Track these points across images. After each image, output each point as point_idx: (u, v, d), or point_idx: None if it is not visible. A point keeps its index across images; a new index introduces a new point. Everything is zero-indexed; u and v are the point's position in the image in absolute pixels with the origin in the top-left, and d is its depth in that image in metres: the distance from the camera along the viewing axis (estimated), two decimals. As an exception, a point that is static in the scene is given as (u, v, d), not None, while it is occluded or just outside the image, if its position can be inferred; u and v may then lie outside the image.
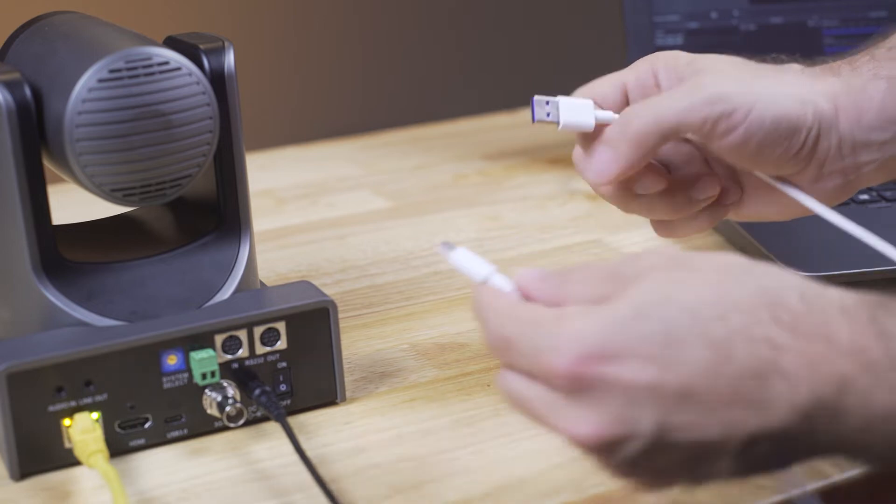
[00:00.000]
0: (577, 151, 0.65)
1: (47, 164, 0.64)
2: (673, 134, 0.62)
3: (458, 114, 1.29)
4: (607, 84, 0.67)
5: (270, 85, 1.25)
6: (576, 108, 0.65)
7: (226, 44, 0.67)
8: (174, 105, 0.63)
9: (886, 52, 0.65)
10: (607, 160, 0.63)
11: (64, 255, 0.65)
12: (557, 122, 0.65)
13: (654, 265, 0.50)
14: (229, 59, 0.67)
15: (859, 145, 0.63)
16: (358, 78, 1.30)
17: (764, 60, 0.66)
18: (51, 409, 0.62)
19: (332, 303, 0.67)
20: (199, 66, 0.66)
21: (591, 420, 0.48)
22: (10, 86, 0.62)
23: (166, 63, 0.63)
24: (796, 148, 0.62)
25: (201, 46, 0.66)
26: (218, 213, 0.69)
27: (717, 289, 0.48)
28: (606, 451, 0.48)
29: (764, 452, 0.48)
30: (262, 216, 0.99)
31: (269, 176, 1.10)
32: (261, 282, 0.71)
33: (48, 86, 0.63)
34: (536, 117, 0.66)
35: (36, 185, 0.63)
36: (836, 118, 0.63)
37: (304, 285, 0.69)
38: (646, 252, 0.52)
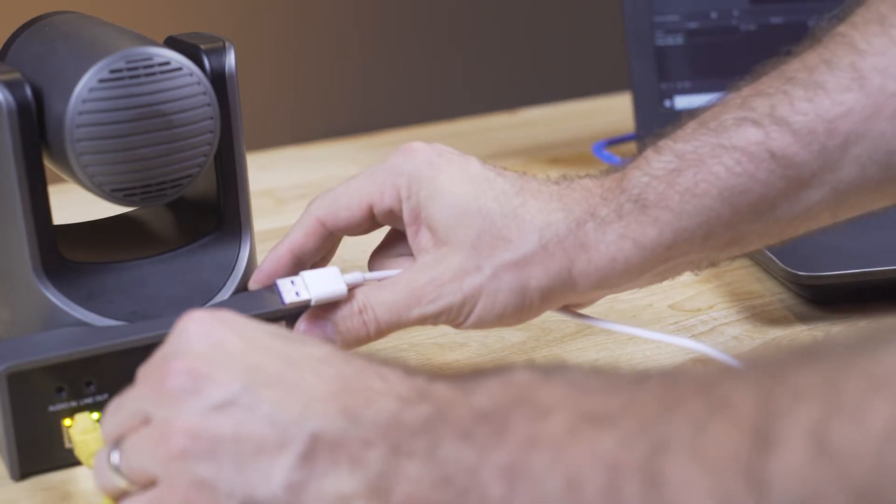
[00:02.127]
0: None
1: (47, 164, 0.64)
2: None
3: (458, 114, 1.29)
4: (351, 208, 0.66)
5: (270, 85, 1.25)
6: (323, 279, 0.64)
7: (226, 44, 0.67)
8: (175, 105, 0.63)
9: (634, 205, 0.63)
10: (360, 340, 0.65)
11: (64, 255, 0.65)
12: (309, 300, 0.63)
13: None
14: (230, 59, 0.67)
15: (602, 293, 0.66)
16: (358, 78, 1.30)
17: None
18: (51, 409, 0.62)
19: (333, 303, 0.67)
20: (200, 66, 0.66)
21: (179, 363, 0.51)
22: (11, 86, 0.62)
23: (167, 63, 0.63)
24: (533, 314, 0.65)
25: (202, 46, 0.66)
26: (218, 213, 0.69)
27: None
28: (187, 384, 0.50)
29: (322, 469, 0.48)
30: (262, 216, 0.99)
31: (269, 176, 1.10)
32: (261, 282, 0.71)
33: (48, 86, 0.63)
34: (286, 300, 0.63)
35: (36, 185, 0.63)
36: (571, 286, 0.63)
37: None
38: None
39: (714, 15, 1.03)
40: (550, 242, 0.63)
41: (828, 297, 0.79)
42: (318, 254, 0.68)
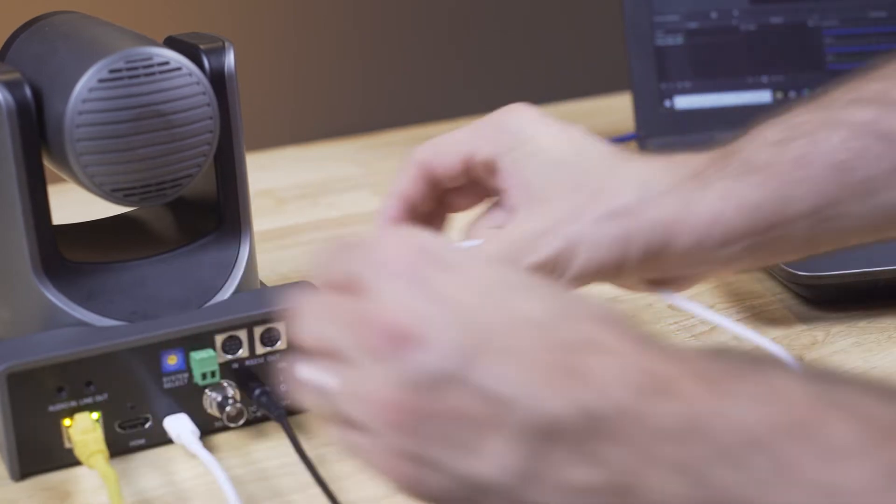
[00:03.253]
0: None
1: (47, 164, 0.64)
2: None
3: (458, 114, 1.29)
4: (449, 155, 0.64)
5: (270, 85, 1.25)
6: None
7: (226, 44, 0.67)
8: (174, 105, 0.63)
9: (740, 168, 0.60)
10: None
11: (64, 255, 0.65)
12: None
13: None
14: (229, 59, 0.67)
15: (700, 260, 0.60)
16: (358, 78, 1.30)
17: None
18: (51, 409, 0.62)
19: (333, 303, 0.67)
20: (200, 66, 0.66)
21: (396, 302, 0.45)
22: (11, 86, 0.62)
23: (166, 63, 0.63)
24: (627, 277, 0.61)
25: (201, 46, 0.66)
26: (218, 213, 0.69)
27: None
28: (395, 348, 0.44)
29: (556, 459, 0.43)
30: (262, 216, 0.99)
31: (269, 176, 1.10)
32: (261, 282, 0.71)
33: (48, 86, 0.63)
34: None
35: (36, 185, 0.63)
36: (670, 242, 0.59)
37: (305, 285, 0.69)
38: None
39: (714, 15, 1.03)
40: (651, 196, 0.60)
41: (828, 297, 0.79)
42: (424, 202, 0.64)
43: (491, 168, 0.63)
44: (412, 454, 0.44)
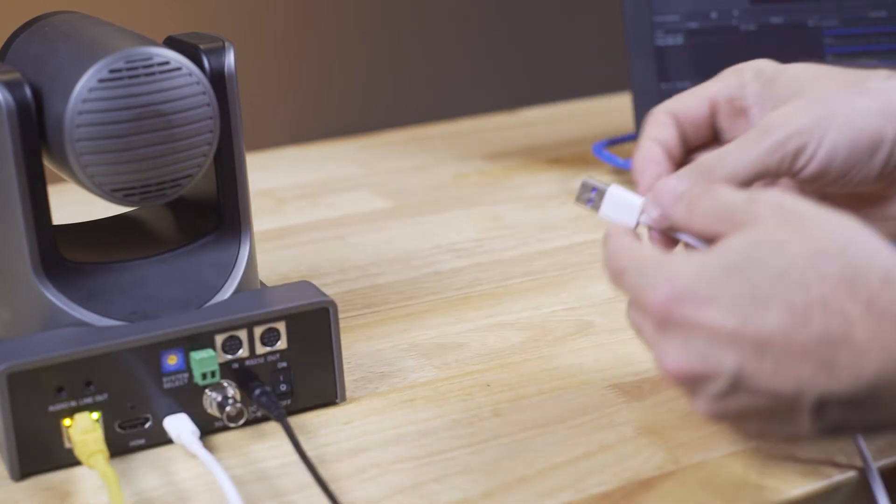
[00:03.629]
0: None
1: (47, 164, 0.64)
2: (749, 184, 0.62)
3: (458, 114, 1.29)
4: (695, 98, 0.66)
5: (270, 85, 1.25)
6: (621, 205, 0.62)
7: (226, 44, 0.67)
8: (174, 105, 0.63)
9: None
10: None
11: (64, 255, 0.65)
12: (596, 210, 0.63)
13: (765, 217, 0.54)
14: (229, 59, 0.67)
15: None
16: (358, 78, 1.30)
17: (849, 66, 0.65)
18: (51, 409, 0.62)
19: (333, 303, 0.67)
20: (200, 66, 0.66)
21: (676, 355, 0.54)
22: (10, 86, 0.62)
23: (166, 63, 0.63)
24: (879, 165, 0.61)
25: (201, 46, 0.66)
26: (218, 213, 0.69)
27: (808, 260, 0.52)
28: (690, 386, 0.54)
29: (836, 417, 0.53)
30: (262, 216, 0.99)
31: (269, 176, 1.10)
32: (261, 282, 0.71)
33: (48, 86, 0.63)
34: (578, 199, 0.64)
35: (36, 185, 0.63)
36: None
37: (304, 285, 0.69)
38: (765, 196, 0.55)
39: (714, 15, 1.03)
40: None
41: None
42: (675, 149, 0.65)
43: (737, 107, 0.65)
44: (746, 428, 0.57)
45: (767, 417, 0.54)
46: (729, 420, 0.55)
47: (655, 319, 0.54)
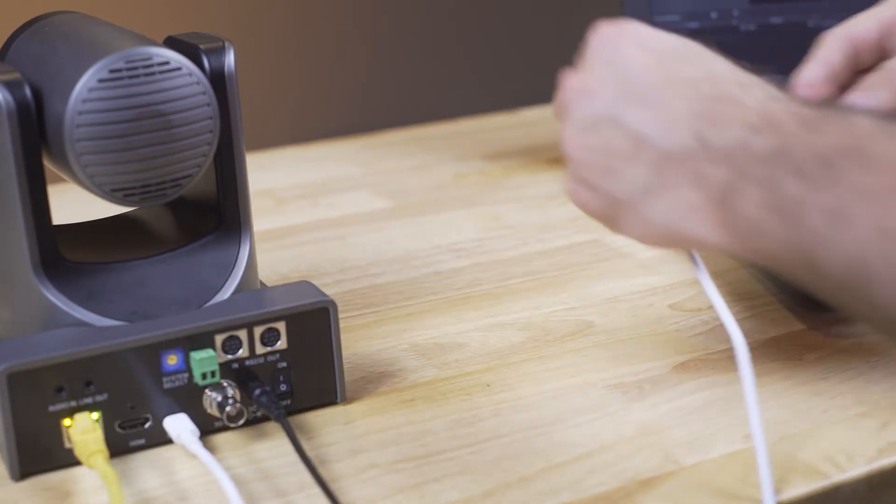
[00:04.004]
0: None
1: (47, 164, 0.64)
2: None
3: (458, 114, 1.29)
4: (869, 21, 0.69)
5: (270, 85, 1.25)
6: None
7: (226, 44, 0.67)
8: (174, 105, 0.63)
9: None
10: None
11: (64, 255, 0.65)
12: None
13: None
14: (229, 59, 0.67)
15: None
16: (358, 78, 1.30)
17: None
18: (51, 409, 0.62)
19: (333, 303, 0.67)
20: (199, 66, 0.66)
21: (575, 78, 0.64)
22: (10, 86, 0.62)
23: (166, 63, 0.63)
24: None
25: (201, 46, 0.66)
26: (218, 213, 0.69)
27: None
28: (575, 99, 0.62)
29: (673, 181, 0.58)
30: (262, 216, 0.99)
31: (269, 176, 1.10)
32: (261, 282, 0.71)
33: (48, 86, 0.63)
34: None
35: (36, 185, 0.63)
36: None
37: (304, 285, 0.69)
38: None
39: (714, 15, 1.03)
40: None
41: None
42: (842, 72, 0.69)
43: None
44: (581, 178, 0.63)
45: (614, 165, 0.60)
46: (583, 154, 0.62)
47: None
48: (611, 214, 0.62)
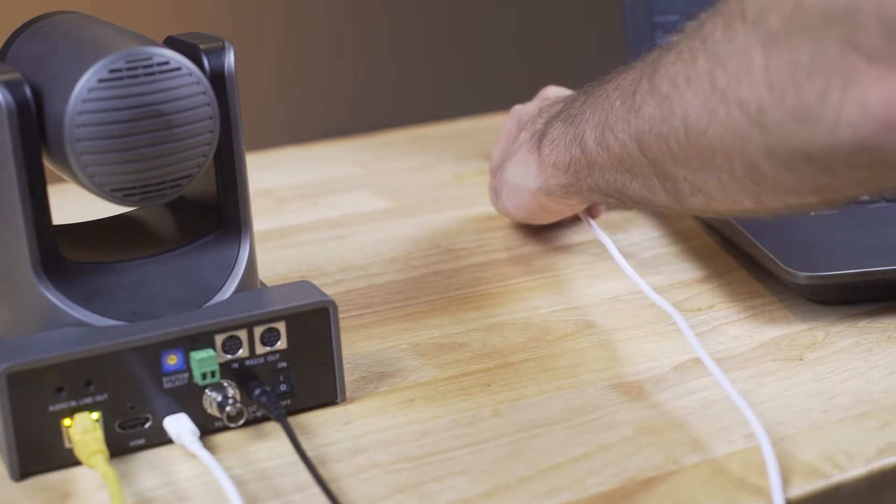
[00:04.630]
0: None
1: (47, 164, 0.64)
2: None
3: (458, 114, 1.29)
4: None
5: (270, 85, 1.25)
6: None
7: (226, 44, 0.67)
8: (174, 105, 0.63)
9: None
10: None
11: (64, 255, 0.65)
12: None
13: None
14: (229, 59, 0.67)
15: None
16: (358, 78, 1.30)
17: None
18: (51, 409, 0.62)
19: (332, 303, 0.67)
20: (200, 66, 0.66)
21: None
22: (10, 86, 0.62)
23: (166, 63, 0.63)
24: None
25: (201, 46, 0.66)
26: (218, 213, 0.69)
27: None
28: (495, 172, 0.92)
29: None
30: (262, 216, 0.99)
31: (269, 176, 1.10)
32: (261, 282, 0.71)
33: (48, 86, 0.63)
34: None
35: (36, 185, 0.63)
36: None
37: (304, 285, 0.69)
38: None
39: (714, 15, 1.03)
40: None
41: (828, 297, 0.79)
42: None
43: None
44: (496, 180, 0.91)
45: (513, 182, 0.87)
46: (499, 186, 0.90)
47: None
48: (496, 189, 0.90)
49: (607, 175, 0.74)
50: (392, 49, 1.31)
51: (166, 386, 0.64)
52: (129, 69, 0.62)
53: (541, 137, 0.82)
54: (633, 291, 0.82)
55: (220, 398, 0.65)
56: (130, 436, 0.65)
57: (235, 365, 0.66)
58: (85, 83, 0.61)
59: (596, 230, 0.85)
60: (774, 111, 0.58)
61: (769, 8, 0.58)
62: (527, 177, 0.84)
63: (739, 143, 0.60)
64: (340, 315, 0.68)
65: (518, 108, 0.92)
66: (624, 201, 0.74)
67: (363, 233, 0.96)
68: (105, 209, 0.71)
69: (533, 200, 0.85)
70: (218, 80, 0.66)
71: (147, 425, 0.65)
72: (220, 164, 0.68)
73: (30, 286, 0.65)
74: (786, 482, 0.61)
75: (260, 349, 0.66)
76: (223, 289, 0.68)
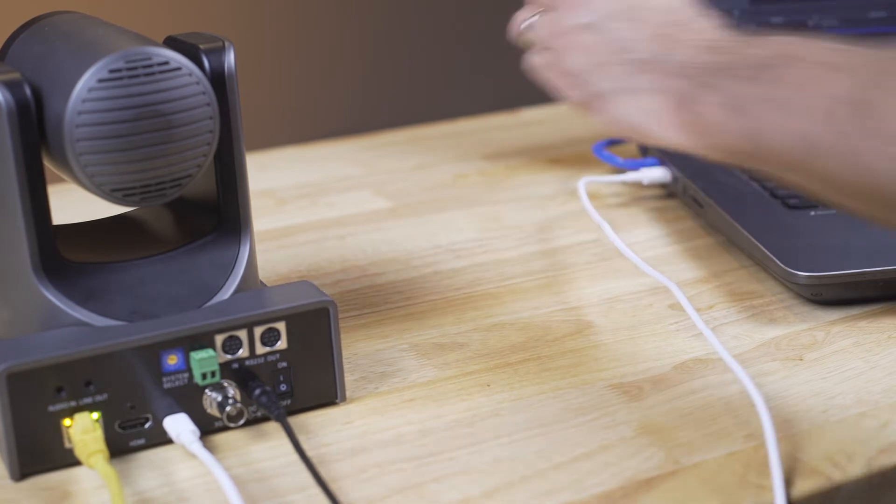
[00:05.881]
0: None
1: (47, 164, 0.64)
2: None
3: (458, 114, 1.29)
4: None
5: (270, 85, 1.25)
6: None
7: (226, 44, 0.67)
8: (174, 105, 0.63)
9: None
10: None
11: (64, 255, 0.65)
12: None
13: None
14: (229, 59, 0.67)
15: None
16: (358, 78, 1.30)
17: None
18: (51, 409, 0.62)
19: (333, 303, 0.67)
20: (199, 66, 0.66)
21: None
22: (10, 86, 0.62)
23: (166, 63, 0.63)
24: None
25: (201, 46, 0.66)
26: (218, 213, 0.69)
27: None
28: (574, 6, 0.72)
29: (639, 86, 0.68)
30: (262, 216, 0.99)
31: (269, 176, 1.10)
32: (261, 282, 0.72)
33: (48, 86, 0.63)
34: None
35: (36, 185, 0.63)
36: None
37: (304, 285, 0.69)
38: None
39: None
40: None
41: (828, 297, 0.79)
42: None
43: None
44: (560, 67, 0.72)
45: (596, 63, 0.70)
46: (569, 49, 0.72)
47: None
48: (586, 103, 0.71)
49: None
50: (391, 49, 1.31)
51: (166, 386, 0.64)
52: (128, 69, 0.62)
53: (683, 103, 0.65)
54: (633, 291, 0.83)
55: (220, 398, 0.65)
56: (130, 436, 0.65)
57: (235, 365, 0.66)
58: (85, 83, 0.61)
59: (594, 215, 0.83)
60: None
61: None
62: (657, 129, 0.67)
63: None
64: (340, 315, 0.68)
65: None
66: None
67: (363, 233, 0.96)
68: (105, 209, 0.71)
69: (647, 140, 0.69)
70: (218, 80, 0.66)
71: (147, 425, 0.65)
72: (220, 164, 0.68)
73: (30, 286, 0.65)
74: (786, 482, 0.61)
75: (260, 349, 0.66)
76: (223, 289, 0.68)
